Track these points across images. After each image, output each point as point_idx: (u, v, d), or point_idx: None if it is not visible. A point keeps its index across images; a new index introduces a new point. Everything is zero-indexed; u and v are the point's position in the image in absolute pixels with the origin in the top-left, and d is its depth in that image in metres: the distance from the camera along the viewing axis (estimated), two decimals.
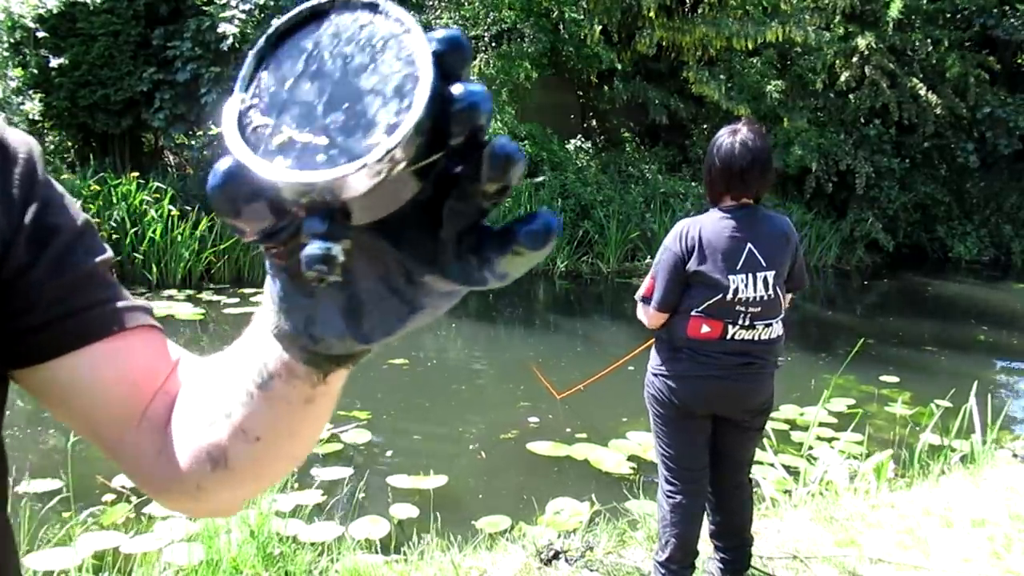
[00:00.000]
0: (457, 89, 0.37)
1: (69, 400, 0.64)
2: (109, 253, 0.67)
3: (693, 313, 2.64)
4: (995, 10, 14.63)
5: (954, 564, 3.26)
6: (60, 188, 0.67)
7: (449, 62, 0.38)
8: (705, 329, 2.63)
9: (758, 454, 4.42)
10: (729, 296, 2.60)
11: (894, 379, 6.63)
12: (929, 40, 14.11)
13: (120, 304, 0.65)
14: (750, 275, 2.61)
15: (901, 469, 4.48)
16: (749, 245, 2.62)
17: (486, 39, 14.10)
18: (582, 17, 13.26)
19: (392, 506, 3.99)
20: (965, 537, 3.50)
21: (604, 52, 13.00)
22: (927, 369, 7.50)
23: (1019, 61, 15.39)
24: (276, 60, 0.41)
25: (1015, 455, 4.69)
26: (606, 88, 14.29)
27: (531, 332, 9.13)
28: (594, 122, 15.39)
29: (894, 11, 13.62)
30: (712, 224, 2.65)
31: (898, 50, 14.05)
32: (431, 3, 13.68)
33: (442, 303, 0.44)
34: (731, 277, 2.59)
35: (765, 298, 2.63)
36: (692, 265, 2.62)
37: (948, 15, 14.95)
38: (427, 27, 0.38)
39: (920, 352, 8.28)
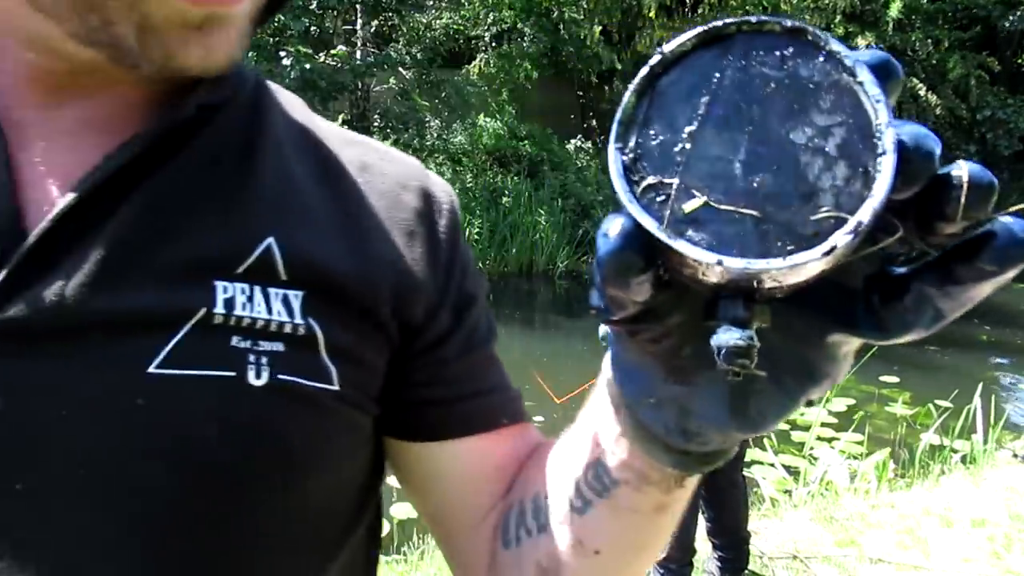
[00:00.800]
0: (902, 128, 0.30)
1: (428, 483, 0.59)
2: (494, 323, 0.61)
3: None
4: (995, 7, 14.63)
5: (954, 564, 3.26)
6: (465, 242, 0.60)
7: (887, 91, 0.31)
8: None
9: (758, 454, 4.43)
10: None
11: (894, 379, 6.63)
12: (929, 40, 14.12)
13: (511, 393, 0.59)
14: None
15: (901, 469, 4.48)
16: None
17: (486, 39, 14.11)
18: (582, 17, 13.27)
19: (392, 506, 3.99)
20: (965, 537, 3.50)
21: (604, 52, 13.01)
22: (927, 369, 7.50)
23: (1019, 61, 15.38)
24: (663, 99, 0.33)
25: (1015, 455, 4.69)
26: (606, 88, 14.30)
27: (532, 332, 9.13)
28: (594, 122, 15.40)
29: (894, 11, 13.63)
30: None
31: (898, 50, 14.05)
32: (431, 3, 13.68)
33: (841, 368, 0.37)
34: None
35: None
36: None
37: (948, 15, 14.95)
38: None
39: (920, 352, 8.28)
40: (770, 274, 0.30)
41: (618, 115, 0.33)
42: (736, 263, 0.30)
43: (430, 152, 13.73)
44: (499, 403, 0.58)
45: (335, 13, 11.86)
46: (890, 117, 0.30)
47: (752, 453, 4.40)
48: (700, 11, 13.34)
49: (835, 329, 0.35)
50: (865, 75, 0.31)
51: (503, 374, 0.59)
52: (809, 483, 4.16)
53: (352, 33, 12.69)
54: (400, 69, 12.39)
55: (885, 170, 0.30)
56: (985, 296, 0.33)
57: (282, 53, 9.83)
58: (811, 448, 4.73)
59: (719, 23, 0.33)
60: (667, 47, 0.33)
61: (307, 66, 9.88)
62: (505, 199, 11.88)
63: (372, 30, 12.95)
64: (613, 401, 0.43)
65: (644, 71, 0.33)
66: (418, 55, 12.38)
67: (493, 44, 13.99)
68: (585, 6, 13.26)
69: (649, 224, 0.31)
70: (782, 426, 4.28)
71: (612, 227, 0.32)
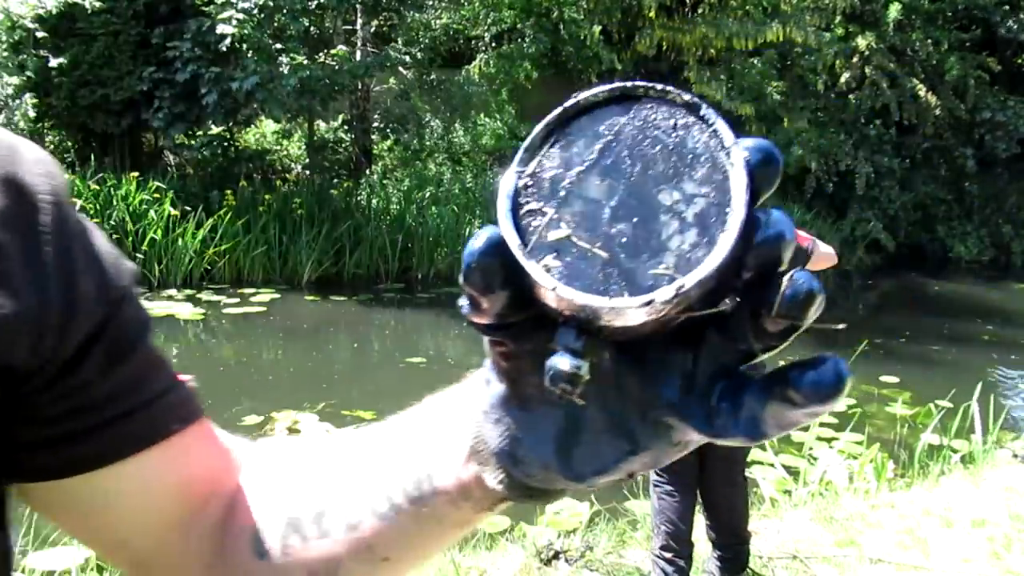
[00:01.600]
0: (764, 217, 0.33)
1: (98, 513, 0.51)
2: (147, 314, 0.52)
3: None
4: (995, 7, 14.63)
5: (954, 564, 3.26)
6: (91, 227, 0.50)
7: (757, 179, 0.33)
8: None
9: (758, 454, 4.43)
10: None
11: (894, 379, 6.63)
12: (929, 40, 14.12)
13: (177, 393, 0.52)
14: None
15: (901, 469, 4.48)
16: None
17: (486, 39, 14.10)
18: (582, 17, 13.27)
19: None
20: (965, 537, 3.49)
21: (604, 52, 13.00)
22: (927, 369, 7.50)
23: (1019, 62, 15.38)
24: (567, 138, 0.36)
25: (1015, 455, 4.69)
26: None
27: None
28: None
29: (893, 12, 13.63)
30: None
31: (898, 50, 14.06)
32: (431, 3, 13.68)
33: (667, 453, 0.38)
34: None
35: None
36: None
37: (948, 15, 14.95)
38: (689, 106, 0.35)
39: (920, 352, 8.28)
40: (595, 311, 0.33)
41: (525, 142, 0.37)
42: (566, 292, 0.33)
43: (430, 152, 13.73)
44: (166, 407, 0.50)
45: (335, 13, 11.85)
46: (746, 199, 0.33)
47: (752, 453, 4.39)
48: (700, 11, 13.34)
49: (663, 404, 0.36)
50: (738, 158, 0.34)
51: (165, 371, 0.52)
52: (809, 483, 4.16)
53: (352, 33, 12.68)
54: (400, 69, 12.38)
55: (720, 246, 0.32)
56: (802, 423, 0.35)
57: (282, 59, 9.82)
58: (811, 448, 4.73)
59: (630, 84, 0.36)
60: (583, 95, 0.36)
61: (306, 73, 9.87)
62: None
63: (372, 30, 12.94)
64: (472, 410, 0.43)
65: (558, 111, 0.37)
66: (418, 55, 12.37)
67: (493, 44, 13.99)
68: (585, 6, 13.25)
69: (511, 239, 0.35)
70: None
71: (481, 234, 0.35)
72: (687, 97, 0.35)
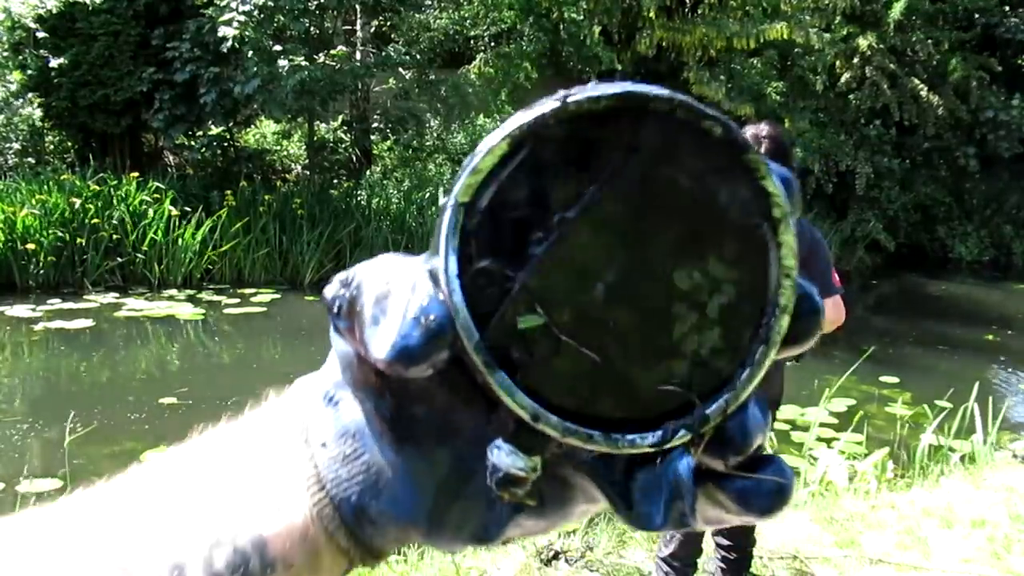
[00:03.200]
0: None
1: None
2: None
3: None
4: (996, 8, 14.63)
5: (954, 564, 3.25)
6: None
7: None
8: None
9: None
10: None
11: (894, 379, 6.63)
12: (930, 41, 14.12)
13: None
14: None
15: (901, 469, 4.48)
16: None
17: (486, 39, 14.10)
18: (582, 17, 13.27)
19: None
20: (965, 537, 3.49)
21: (604, 52, 13.00)
22: (927, 369, 7.49)
23: (1020, 62, 15.38)
24: (541, 160, 0.24)
25: (1015, 456, 4.69)
26: None
27: None
28: None
29: (896, 12, 13.63)
30: None
31: (899, 51, 14.06)
32: (430, 3, 13.68)
33: (563, 518, 0.31)
34: None
35: None
36: None
37: (949, 15, 14.95)
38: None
39: (920, 352, 8.28)
40: (584, 447, 0.25)
41: (476, 159, 0.25)
42: (553, 426, 0.25)
43: (430, 152, 13.73)
44: None
45: (335, 13, 11.85)
46: (792, 299, 0.25)
47: None
48: (700, 11, 13.34)
49: (580, 461, 0.29)
50: (789, 239, 0.25)
51: None
52: (809, 483, 4.16)
53: (352, 33, 12.68)
54: (400, 69, 12.38)
55: (756, 366, 0.25)
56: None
57: (281, 61, 9.82)
58: (811, 448, 4.72)
59: (647, 92, 0.25)
60: (577, 95, 0.24)
61: (305, 75, 9.87)
62: None
63: (372, 30, 12.94)
64: (299, 433, 0.31)
65: (533, 113, 0.24)
66: (417, 55, 12.37)
67: (492, 44, 13.99)
68: (585, 6, 13.25)
69: (467, 334, 0.24)
70: (782, 426, 4.27)
71: (411, 311, 0.25)
72: (732, 132, 0.24)
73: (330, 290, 0.29)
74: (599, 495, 0.29)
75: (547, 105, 0.25)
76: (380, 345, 0.26)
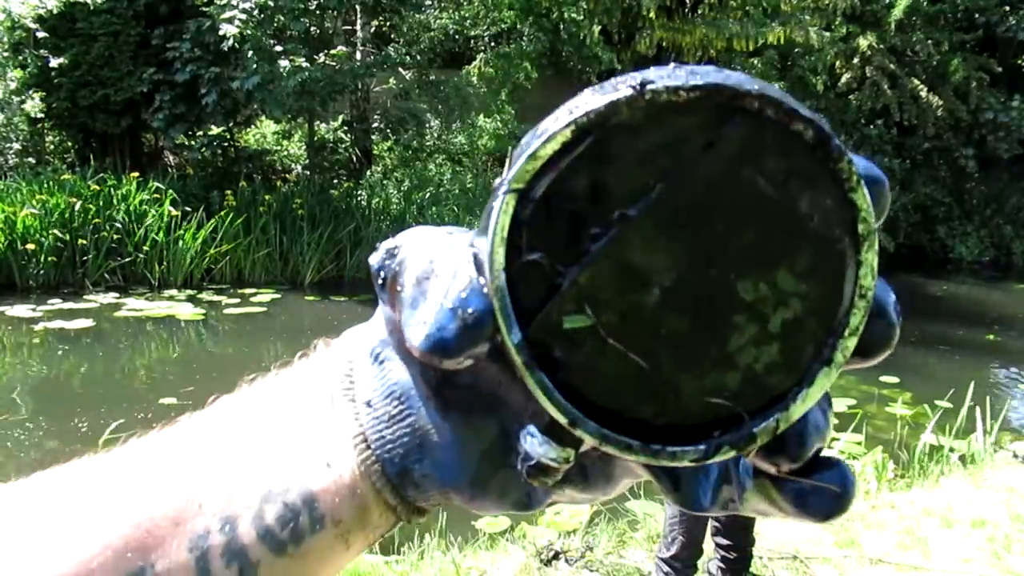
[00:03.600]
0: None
1: None
2: None
3: None
4: (996, 8, 14.63)
5: (954, 564, 3.25)
6: None
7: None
8: None
9: None
10: None
11: (894, 379, 6.63)
12: (930, 41, 14.12)
13: None
14: None
15: (901, 469, 4.48)
16: None
17: (486, 39, 14.10)
18: (582, 17, 13.27)
19: None
20: (965, 537, 3.49)
21: (604, 52, 13.01)
22: (927, 369, 7.49)
23: (1020, 63, 15.38)
24: (609, 151, 0.22)
25: (1015, 456, 4.69)
26: None
27: None
28: None
29: (898, 11, 13.63)
30: None
31: (899, 51, 14.06)
32: (430, 3, 13.68)
33: (603, 492, 0.31)
34: None
35: None
36: None
37: (949, 16, 14.95)
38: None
39: (920, 352, 8.28)
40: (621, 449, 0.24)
41: (536, 143, 0.23)
42: (591, 433, 0.24)
43: (430, 153, 13.73)
44: None
45: (335, 13, 11.85)
46: (863, 321, 0.23)
47: None
48: (700, 11, 13.34)
49: (636, 466, 0.28)
50: (871, 258, 0.23)
51: None
52: None
53: (352, 33, 12.69)
54: (400, 69, 12.38)
55: (816, 387, 0.23)
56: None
57: (281, 61, 9.81)
58: None
59: (741, 84, 0.22)
60: (652, 82, 0.22)
61: (305, 75, 9.87)
62: None
63: (372, 30, 12.94)
64: (346, 390, 0.31)
65: (603, 102, 0.22)
66: (417, 55, 12.38)
67: (492, 44, 13.99)
68: (585, 6, 13.25)
69: (510, 331, 0.23)
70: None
71: (449, 303, 0.24)
72: (825, 133, 0.22)
73: (375, 258, 0.29)
74: (643, 472, 0.29)
75: (621, 91, 0.22)
76: (416, 334, 0.26)
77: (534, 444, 0.25)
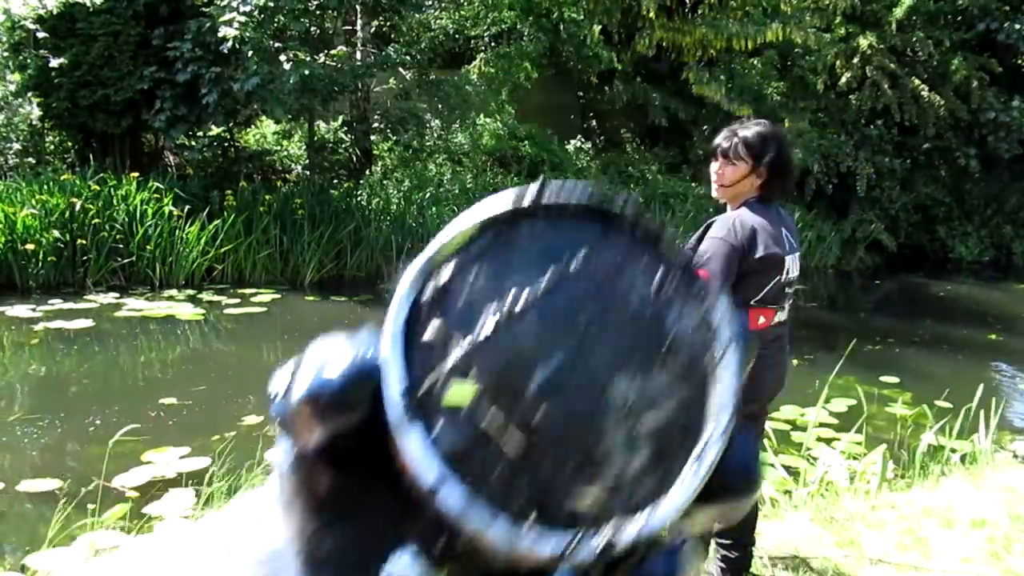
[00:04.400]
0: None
1: None
2: None
3: (752, 303, 2.64)
4: (997, 10, 14.62)
5: (954, 564, 3.25)
6: None
7: None
8: (762, 320, 2.65)
9: None
10: (783, 277, 2.65)
11: (894, 379, 6.63)
12: (931, 41, 14.12)
13: None
14: (791, 256, 2.70)
15: (901, 469, 4.47)
16: (783, 230, 2.71)
17: (486, 39, 14.10)
18: (582, 17, 13.27)
19: None
20: (965, 537, 3.49)
21: (604, 52, 13.01)
22: (928, 369, 7.49)
23: (1020, 63, 15.37)
24: (506, 250, 0.21)
25: (1015, 456, 4.69)
26: (606, 89, 14.29)
27: None
28: (594, 123, 15.40)
29: (900, 11, 13.63)
30: (752, 216, 2.68)
31: (899, 51, 14.05)
32: (430, 3, 13.68)
33: None
34: (786, 258, 2.67)
35: (798, 277, 2.76)
36: (759, 251, 2.61)
37: (949, 16, 14.94)
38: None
39: (921, 352, 8.28)
40: (484, 542, 0.21)
41: (444, 237, 0.20)
42: (452, 505, 0.20)
43: (430, 152, 13.72)
44: None
45: (335, 14, 11.85)
46: (727, 426, 0.20)
47: None
48: (700, 11, 13.33)
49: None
50: (729, 365, 0.20)
51: None
52: (809, 483, 4.16)
53: (352, 33, 12.68)
54: (400, 69, 12.38)
55: (681, 491, 0.20)
56: None
57: (282, 58, 9.81)
58: (811, 448, 4.72)
59: (618, 205, 0.19)
60: (551, 191, 0.20)
61: (306, 72, 9.86)
62: None
63: (372, 30, 12.94)
64: None
65: (504, 207, 0.19)
66: (417, 55, 12.37)
67: (493, 44, 13.99)
68: (585, 6, 13.26)
69: (394, 382, 0.20)
70: (782, 426, 4.27)
71: (339, 355, 0.21)
72: (682, 257, 0.20)
73: (272, 407, 0.27)
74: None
75: (521, 198, 0.19)
76: (301, 385, 0.24)
77: (398, 567, 0.22)
